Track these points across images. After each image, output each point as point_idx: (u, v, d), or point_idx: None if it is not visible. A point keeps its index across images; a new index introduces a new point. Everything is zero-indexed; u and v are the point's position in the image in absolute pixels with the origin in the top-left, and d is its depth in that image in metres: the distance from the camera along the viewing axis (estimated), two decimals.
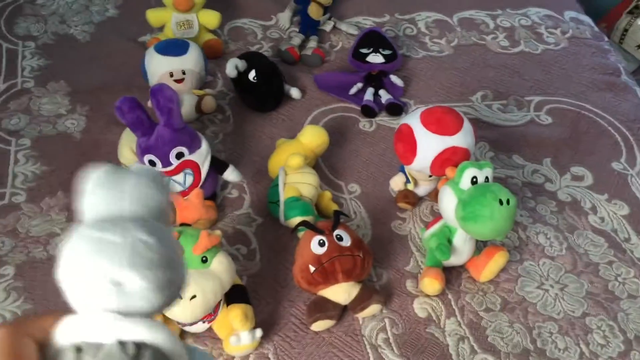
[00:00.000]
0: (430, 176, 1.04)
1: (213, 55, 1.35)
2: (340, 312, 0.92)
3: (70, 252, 0.32)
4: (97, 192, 0.35)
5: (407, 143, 0.99)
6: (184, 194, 1.02)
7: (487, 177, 0.91)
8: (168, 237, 0.34)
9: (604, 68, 1.40)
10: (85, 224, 0.34)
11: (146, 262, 0.32)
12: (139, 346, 0.31)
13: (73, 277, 0.32)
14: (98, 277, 0.32)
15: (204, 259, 0.81)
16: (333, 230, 0.92)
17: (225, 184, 1.11)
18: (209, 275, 0.80)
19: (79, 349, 0.31)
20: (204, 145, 1.03)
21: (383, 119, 1.25)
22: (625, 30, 2.00)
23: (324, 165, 1.16)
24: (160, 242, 0.33)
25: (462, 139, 0.97)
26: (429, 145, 0.97)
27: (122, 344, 0.31)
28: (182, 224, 0.88)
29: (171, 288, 0.33)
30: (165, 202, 0.36)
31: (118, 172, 0.35)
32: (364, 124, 1.25)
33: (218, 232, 0.85)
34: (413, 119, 1.00)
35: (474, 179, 0.90)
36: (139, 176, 0.35)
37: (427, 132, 0.97)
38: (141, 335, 0.32)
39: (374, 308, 0.92)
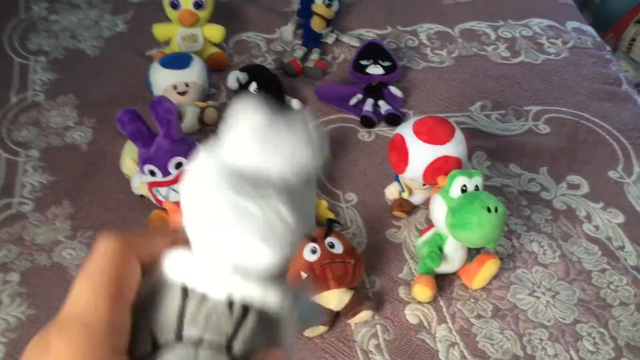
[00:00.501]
0: (424, 185, 1.06)
1: (217, 68, 1.38)
2: (333, 318, 0.94)
3: (202, 199, 0.29)
4: (249, 142, 0.30)
5: (399, 152, 1.01)
6: None
7: (476, 186, 0.92)
8: (308, 206, 0.32)
9: (604, 78, 1.41)
10: (226, 175, 0.30)
11: (279, 238, 0.29)
12: (245, 309, 0.30)
13: (198, 222, 0.29)
14: (224, 237, 0.29)
15: None
16: (325, 237, 0.95)
17: None
18: None
19: (186, 292, 0.29)
20: None
21: (382, 129, 1.27)
22: (633, 39, 2.00)
23: (322, 174, 1.18)
24: (297, 217, 0.30)
25: (454, 148, 0.99)
26: (421, 154, 0.99)
27: (229, 303, 0.29)
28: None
29: (293, 257, 0.31)
30: (315, 167, 0.32)
31: (278, 125, 0.31)
32: (363, 134, 1.27)
33: None
34: (406, 129, 1.02)
35: (464, 188, 0.92)
36: (298, 135, 0.31)
37: (419, 142, 0.99)
38: (251, 297, 0.30)
39: (365, 314, 0.94)
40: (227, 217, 0.28)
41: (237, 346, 0.29)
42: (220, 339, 0.29)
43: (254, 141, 0.30)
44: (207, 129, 1.27)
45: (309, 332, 0.93)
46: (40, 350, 0.26)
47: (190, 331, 0.28)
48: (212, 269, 0.29)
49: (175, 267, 0.30)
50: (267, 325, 0.30)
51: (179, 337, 0.28)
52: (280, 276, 0.31)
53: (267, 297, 0.30)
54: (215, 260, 0.29)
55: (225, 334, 0.29)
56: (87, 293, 0.27)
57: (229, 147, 0.30)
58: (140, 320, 0.29)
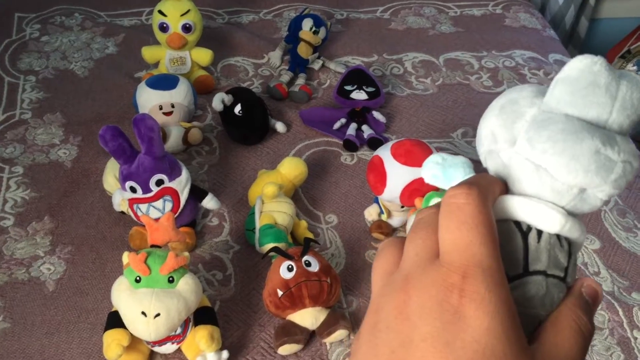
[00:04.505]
0: (402, 207, 1.07)
1: (204, 91, 1.40)
2: (307, 336, 0.94)
3: (565, 153, 0.30)
4: (587, 91, 0.31)
5: (377, 174, 1.03)
6: None
7: None
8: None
9: None
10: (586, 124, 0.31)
11: (623, 184, 0.31)
12: (568, 242, 0.32)
13: (545, 173, 0.31)
14: (573, 184, 0.31)
15: (170, 279, 0.84)
16: (302, 256, 0.95)
17: (207, 212, 1.15)
18: (175, 295, 0.83)
19: (522, 231, 0.31)
20: (184, 173, 1.07)
21: (364, 153, 1.29)
22: None
23: (304, 196, 1.20)
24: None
25: None
26: (398, 176, 1.00)
27: (558, 237, 0.32)
28: (152, 246, 0.91)
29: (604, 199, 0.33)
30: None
31: (614, 72, 0.32)
32: (346, 157, 1.28)
33: (186, 254, 0.88)
34: (384, 151, 1.03)
35: None
36: (632, 77, 0.32)
37: (396, 164, 1.01)
38: (575, 231, 0.32)
39: (340, 333, 0.94)
40: (587, 164, 0.30)
41: (569, 277, 0.32)
42: (559, 272, 0.31)
43: (590, 87, 0.31)
44: (192, 149, 1.28)
45: (284, 351, 0.93)
46: (453, 298, 0.28)
47: (536, 266, 0.31)
48: (549, 207, 0.31)
49: (516, 208, 0.32)
50: (576, 254, 0.33)
51: (526, 270, 0.31)
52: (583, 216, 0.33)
53: (581, 232, 0.32)
54: (554, 198, 0.32)
55: (562, 267, 0.32)
56: (477, 240, 0.28)
57: (557, 92, 0.32)
58: None
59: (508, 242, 0.31)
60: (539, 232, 0.31)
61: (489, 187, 0.31)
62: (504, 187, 0.33)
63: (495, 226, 0.30)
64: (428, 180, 0.36)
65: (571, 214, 0.32)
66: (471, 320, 0.27)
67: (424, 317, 0.28)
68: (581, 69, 0.31)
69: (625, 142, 0.31)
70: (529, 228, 0.31)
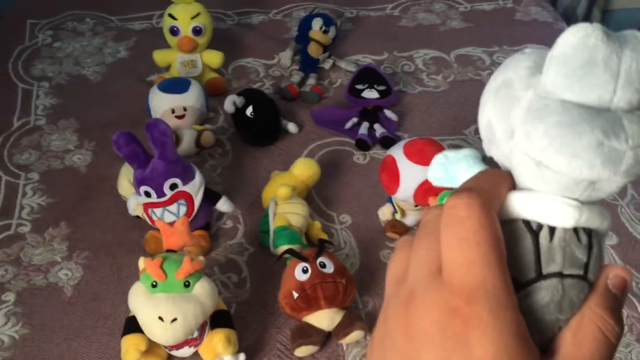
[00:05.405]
0: (415, 206, 1.07)
1: (215, 93, 1.41)
2: (324, 338, 0.95)
3: (565, 148, 0.28)
4: (584, 71, 0.28)
5: (390, 173, 1.02)
6: None
7: None
8: None
9: None
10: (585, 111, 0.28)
11: (634, 174, 0.28)
12: (588, 234, 0.30)
13: (547, 169, 0.29)
14: (580, 178, 0.28)
15: (186, 283, 0.85)
16: (317, 257, 0.95)
17: (221, 215, 1.15)
18: (191, 299, 0.84)
19: (532, 230, 0.29)
20: (198, 177, 1.07)
21: (377, 152, 1.29)
22: None
23: (317, 196, 1.20)
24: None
25: None
26: (411, 175, 1.00)
27: (575, 231, 0.29)
28: (168, 250, 0.92)
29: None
30: None
31: (614, 41, 0.28)
32: (358, 157, 1.28)
33: (201, 258, 0.88)
34: (397, 150, 1.03)
35: None
36: (636, 42, 0.28)
37: (410, 163, 1.00)
38: (592, 221, 0.30)
39: (357, 334, 0.94)
40: (593, 157, 0.27)
41: (591, 273, 0.29)
42: (577, 270, 0.29)
43: (586, 66, 0.28)
44: (204, 151, 1.29)
45: (300, 353, 0.93)
46: (457, 325, 0.26)
47: (550, 268, 0.29)
48: (559, 201, 0.29)
49: (523, 207, 0.30)
50: (600, 243, 0.30)
51: (539, 274, 0.29)
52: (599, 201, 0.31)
53: (602, 219, 0.30)
54: (563, 192, 0.29)
55: (581, 264, 0.29)
56: (479, 259, 0.27)
57: (553, 70, 0.28)
58: None
59: (517, 244, 0.29)
60: (552, 229, 0.29)
61: (493, 189, 0.29)
62: (512, 181, 0.30)
63: (501, 239, 0.28)
64: (435, 183, 0.34)
65: (586, 203, 0.29)
66: (475, 349, 0.26)
67: (427, 343, 0.27)
68: (575, 45, 0.28)
69: (636, 122, 0.28)
70: (540, 226, 0.29)
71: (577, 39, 0.28)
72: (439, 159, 0.34)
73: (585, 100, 0.28)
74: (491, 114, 0.31)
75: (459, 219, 0.27)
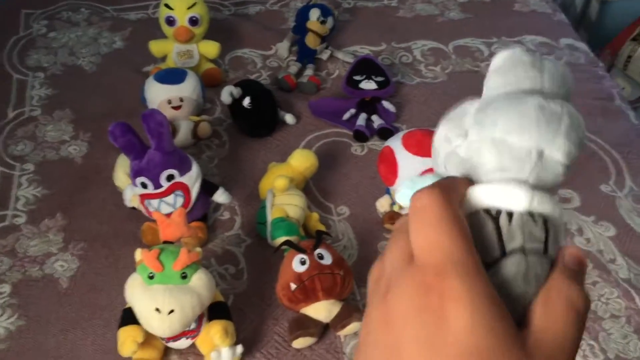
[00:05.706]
0: None
1: (212, 84, 1.40)
2: (322, 329, 0.94)
3: (513, 114, 0.32)
4: (516, 69, 0.34)
5: (388, 164, 1.02)
6: None
7: None
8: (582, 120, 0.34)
9: (597, 93, 1.42)
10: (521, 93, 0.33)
11: (576, 137, 0.32)
12: (543, 218, 0.32)
13: (501, 142, 0.32)
14: (529, 145, 0.32)
15: (183, 275, 0.84)
16: (314, 249, 0.95)
17: (218, 206, 1.15)
18: (188, 291, 0.83)
19: (491, 216, 0.32)
20: (195, 168, 1.06)
21: (375, 143, 1.28)
22: (629, 57, 2.01)
23: (315, 188, 1.19)
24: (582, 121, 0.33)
25: None
26: (409, 166, 1.00)
27: (531, 215, 0.32)
28: (164, 242, 0.91)
29: (573, 169, 0.33)
30: (573, 87, 0.35)
31: (534, 53, 0.35)
32: (356, 148, 1.28)
33: (198, 250, 0.88)
34: (395, 141, 1.03)
35: None
36: (552, 59, 0.35)
37: (408, 154, 1.00)
38: (545, 207, 0.32)
39: (355, 326, 0.94)
40: (536, 121, 0.32)
41: (550, 250, 0.32)
42: (537, 244, 0.31)
43: (519, 68, 0.34)
44: (201, 142, 1.28)
45: (298, 344, 0.93)
46: (432, 299, 0.27)
47: (512, 244, 0.31)
48: (511, 185, 0.32)
49: (482, 197, 0.32)
50: (556, 230, 0.33)
51: (502, 252, 0.31)
52: (555, 191, 0.34)
53: (554, 206, 0.32)
54: (516, 179, 0.32)
55: (540, 239, 0.31)
56: (444, 236, 0.29)
57: (494, 83, 0.35)
58: None
59: (481, 231, 0.31)
60: (510, 214, 0.31)
61: (450, 185, 0.32)
62: (469, 183, 0.33)
63: (463, 219, 0.30)
64: (401, 202, 0.37)
65: (537, 187, 0.32)
66: (452, 320, 0.27)
67: (407, 323, 0.28)
68: (506, 57, 0.35)
69: (566, 102, 0.33)
70: (499, 212, 0.32)
71: (508, 54, 0.35)
72: (406, 183, 0.38)
73: (521, 88, 0.34)
74: (445, 130, 0.35)
75: (422, 207, 0.30)
